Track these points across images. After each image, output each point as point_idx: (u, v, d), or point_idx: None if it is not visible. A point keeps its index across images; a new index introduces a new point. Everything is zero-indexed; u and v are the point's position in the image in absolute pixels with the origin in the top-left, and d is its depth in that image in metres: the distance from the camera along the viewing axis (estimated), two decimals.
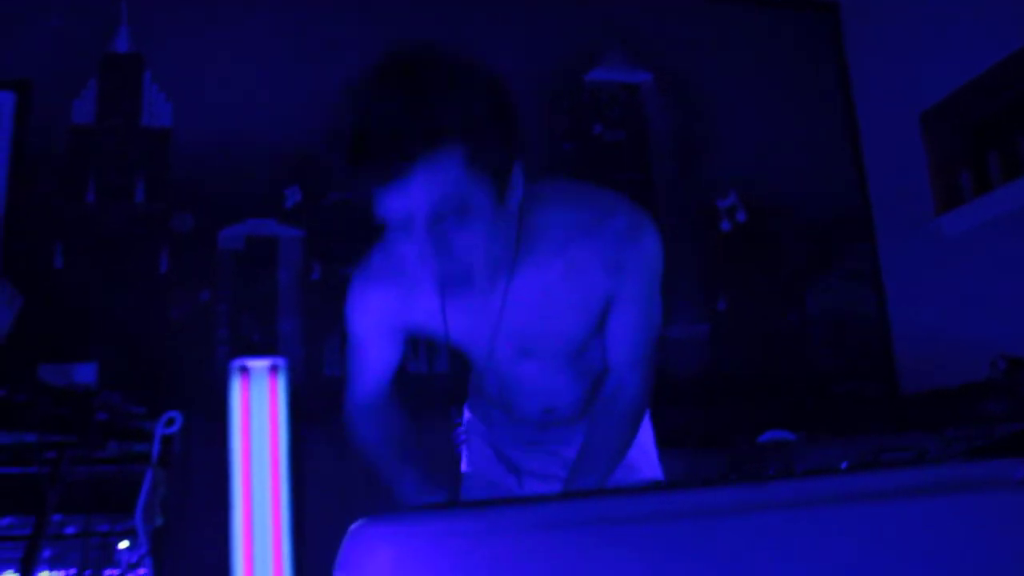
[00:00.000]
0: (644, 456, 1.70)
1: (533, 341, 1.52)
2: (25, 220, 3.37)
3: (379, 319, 1.59)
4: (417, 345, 3.51)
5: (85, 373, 3.15)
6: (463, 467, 1.86)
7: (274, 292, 3.46)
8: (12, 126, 3.48)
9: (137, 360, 3.28)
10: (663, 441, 2.97)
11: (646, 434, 1.72)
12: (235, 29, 3.72)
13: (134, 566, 2.58)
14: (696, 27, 4.16)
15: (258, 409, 3.58)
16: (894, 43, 3.99)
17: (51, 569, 2.55)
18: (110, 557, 2.63)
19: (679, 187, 3.94)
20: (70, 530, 2.60)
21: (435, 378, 3.47)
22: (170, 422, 2.66)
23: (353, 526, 0.73)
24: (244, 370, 3.56)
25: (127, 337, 3.30)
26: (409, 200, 1.15)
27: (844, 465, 0.87)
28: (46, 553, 2.52)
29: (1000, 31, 3.35)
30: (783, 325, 3.89)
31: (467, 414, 1.94)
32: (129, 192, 3.47)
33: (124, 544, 2.63)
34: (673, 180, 3.94)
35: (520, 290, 1.42)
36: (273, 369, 3.64)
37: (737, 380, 3.72)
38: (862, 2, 4.25)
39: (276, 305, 3.45)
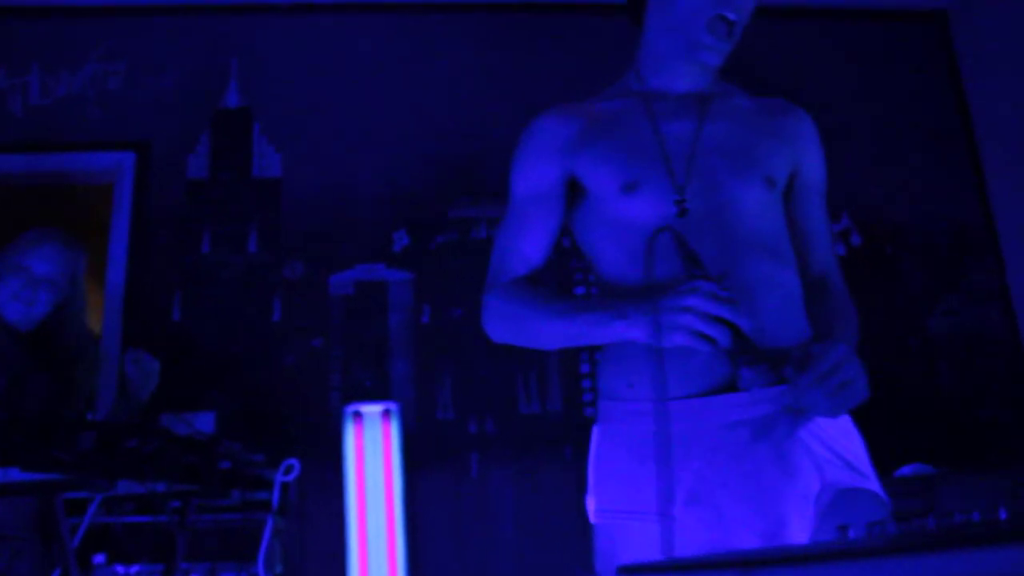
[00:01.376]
0: (866, 463, 1.41)
1: (728, 174, 1.41)
2: (145, 273, 3.49)
3: (550, 155, 1.50)
4: (529, 382, 3.48)
5: (204, 422, 3.22)
6: (591, 515, 1.41)
7: (385, 336, 3.48)
8: (133, 184, 3.63)
9: (253, 408, 3.34)
10: None
11: (859, 436, 1.47)
12: (339, 79, 3.81)
13: None
14: (802, 44, 4.06)
15: (372, 453, 3.61)
16: (1006, 48, 3.81)
17: None
18: None
19: None
20: None
21: (549, 417, 3.43)
22: (289, 469, 2.69)
23: None
24: (358, 415, 3.60)
25: (243, 385, 3.37)
26: None
27: None
28: None
29: None
30: (906, 350, 3.71)
31: (597, 435, 1.46)
32: (242, 242, 3.56)
33: None
34: None
35: (717, 112, 1.49)
36: (386, 413, 3.67)
37: (864, 410, 3.55)
38: (970, 7, 4.07)
39: (387, 349, 3.47)
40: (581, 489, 1.45)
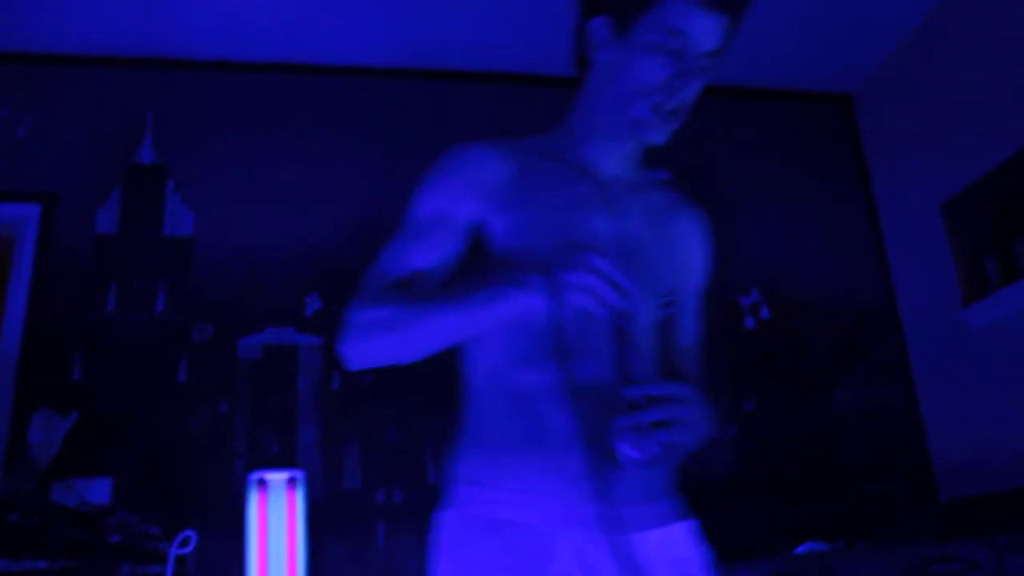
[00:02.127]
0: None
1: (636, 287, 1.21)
2: (45, 329, 3.37)
3: (467, 191, 1.37)
4: (438, 451, 3.44)
5: (99, 489, 3.11)
6: None
7: (293, 402, 3.42)
8: (36, 237, 3.52)
9: (154, 473, 3.23)
10: None
11: (696, 550, 1.36)
12: (256, 138, 3.78)
13: None
14: (710, 123, 4.18)
15: (276, 522, 3.51)
16: (910, 133, 3.98)
17: None
18: None
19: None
20: None
21: None
22: (185, 542, 2.60)
23: None
24: (262, 483, 3.51)
25: (145, 449, 3.26)
26: (717, 30, 1.32)
27: None
28: None
29: (1020, 118, 3.33)
30: (812, 424, 3.79)
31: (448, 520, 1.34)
32: (150, 301, 3.47)
33: None
34: None
35: (639, 210, 1.45)
36: (291, 482, 3.59)
37: (767, 484, 3.60)
38: (875, 92, 4.26)
39: (295, 415, 3.40)
40: None
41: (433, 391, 3.37)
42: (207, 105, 3.81)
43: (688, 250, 1.53)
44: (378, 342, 1.30)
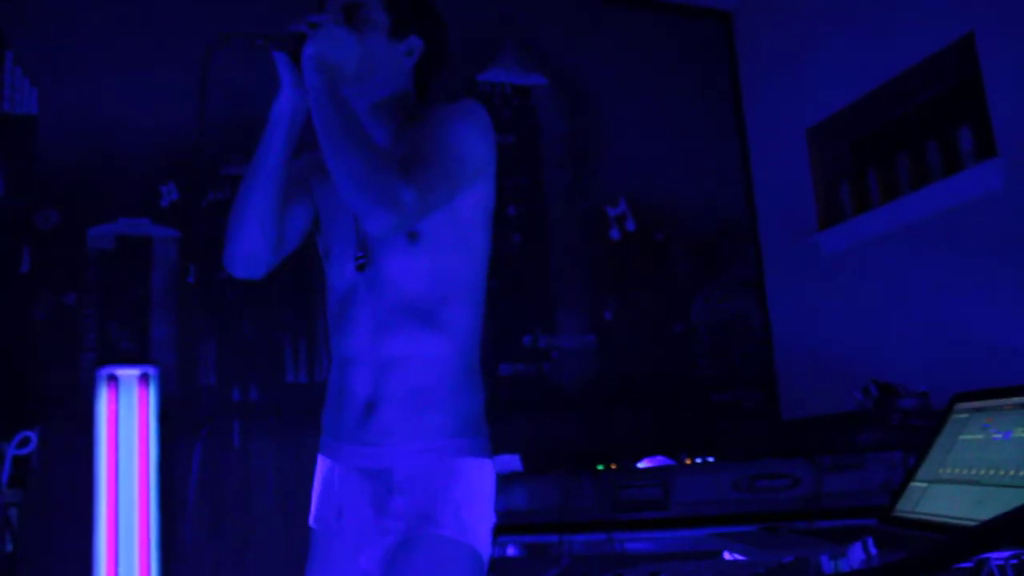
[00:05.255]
0: (450, 510, 1.39)
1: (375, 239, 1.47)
2: None
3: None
4: (298, 351, 3.40)
5: None
6: (311, 519, 1.54)
7: (147, 296, 3.29)
8: None
9: None
10: (540, 464, 2.96)
11: (466, 488, 1.41)
12: (108, 8, 3.49)
13: None
14: (592, 32, 4.13)
15: (126, 420, 3.42)
16: (783, 57, 4.05)
17: None
18: None
19: (569, 193, 3.92)
20: None
21: (316, 387, 3.38)
22: (24, 442, 2.51)
23: None
24: (112, 379, 3.40)
25: None
26: None
27: None
28: None
29: (885, 54, 3.42)
30: (669, 335, 3.93)
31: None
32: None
33: None
34: (564, 186, 3.92)
35: None
36: (144, 378, 3.49)
37: (623, 392, 3.73)
38: (753, 13, 4.29)
39: (148, 309, 3.28)
40: None
41: (292, 288, 3.31)
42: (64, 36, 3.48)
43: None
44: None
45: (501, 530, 2.49)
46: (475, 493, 1.41)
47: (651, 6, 4.27)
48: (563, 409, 3.63)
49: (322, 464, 1.53)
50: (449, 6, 3.89)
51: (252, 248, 1.48)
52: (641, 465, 2.71)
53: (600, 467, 2.71)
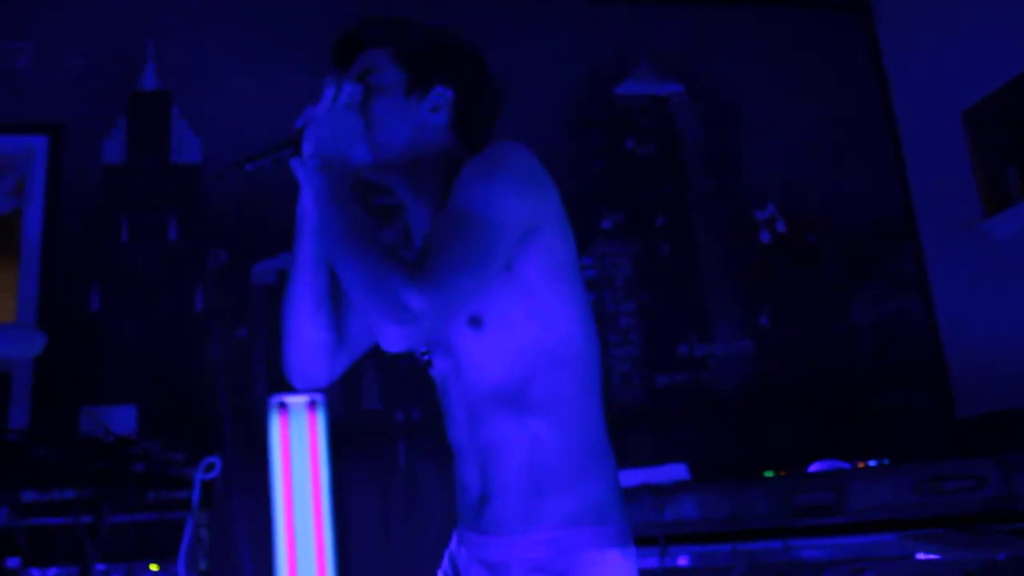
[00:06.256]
0: None
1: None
2: (60, 263, 3.38)
3: None
4: None
5: (124, 417, 3.16)
6: None
7: None
8: (46, 169, 3.50)
9: (176, 399, 3.27)
10: (704, 470, 2.89)
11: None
12: (260, 60, 3.70)
13: None
14: (726, 34, 4.08)
15: (298, 444, 3.56)
16: (930, 40, 3.87)
17: None
18: None
19: (715, 200, 3.86)
20: None
21: None
22: (209, 467, 2.65)
23: None
24: (282, 406, 3.54)
25: (165, 376, 3.30)
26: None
27: None
28: None
29: None
30: (829, 337, 3.79)
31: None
32: (162, 230, 3.47)
33: None
34: (708, 193, 3.86)
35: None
36: (312, 404, 3.63)
37: (782, 399, 3.62)
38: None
39: None
40: None
41: None
42: (208, 28, 3.73)
43: None
44: None
45: (671, 540, 2.45)
46: None
47: (784, 2, 4.18)
48: (722, 416, 3.55)
49: (452, 541, 1.43)
50: (581, 23, 3.95)
51: (305, 356, 1.39)
52: (812, 470, 2.61)
53: (768, 473, 2.62)
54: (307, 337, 1.38)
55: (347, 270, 1.18)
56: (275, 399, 3.18)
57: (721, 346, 3.67)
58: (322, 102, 1.34)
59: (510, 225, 1.20)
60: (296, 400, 3.18)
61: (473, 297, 1.19)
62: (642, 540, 2.43)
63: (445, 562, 1.42)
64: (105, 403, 3.17)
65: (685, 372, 3.62)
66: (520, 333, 1.26)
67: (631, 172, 3.82)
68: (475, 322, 1.25)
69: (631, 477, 2.62)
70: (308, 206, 1.37)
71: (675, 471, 2.68)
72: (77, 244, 3.41)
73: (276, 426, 3.16)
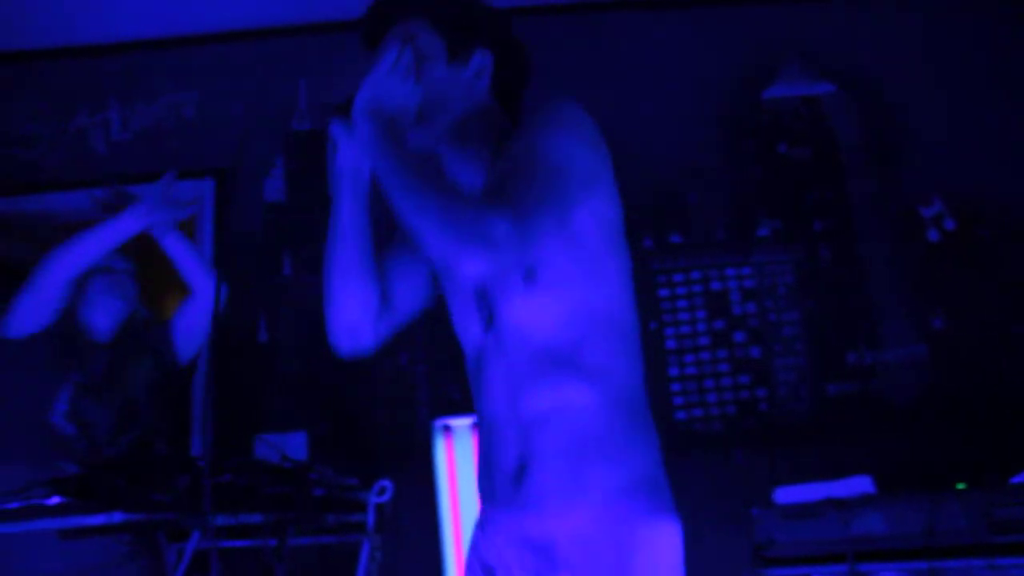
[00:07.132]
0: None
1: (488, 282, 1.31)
2: (230, 298, 3.54)
3: None
4: None
5: (296, 443, 3.27)
6: None
7: None
8: (213, 210, 3.69)
9: (344, 426, 3.37)
10: (888, 482, 2.72)
11: (646, 561, 1.17)
12: None
13: None
14: (872, 27, 3.90)
15: (464, 466, 3.60)
16: None
17: None
18: None
19: (877, 199, 3.68)
20: None
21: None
22: (382, 491, 2.70)
23: None
24: (447, 428, 3.60)
25: (332, 404, 3.40)
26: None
27: None
28: None
29: None
30: (1010, 338, 3.53)
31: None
32: (322, 263, 3.58)
33: None
34: (869, 192, 3.69)
35: None
36: (475, 427, 3.65)
37: (966, 403, 3.39)
38: None
39: None
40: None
41: None
42: (356, 65, 3.84)
43: None
44: None
45: (860, 557, 2.32)
46: (655, 566, 1.16)
47: None
48: (900, 425, 3.36)
49: (474, 532, 1.37)
50: (725, 28, 3.86)
51: (350, 317, 1.42)
52: (1017, 481, 2.42)
53: (961, 486, 2.45)
54: (352, 298, 1.42)
55: (420, 206, 1.16)
56: (439, 422, 3.23)
57: (892, 352, 3.48)
58: (381, 65, 1.34)
59: (578, 172, 1.21)
60: (460, 423, 3.22)
61: (545, 237, 1.17)
62: (829, 557, 2.32)
63: (469, 555, 1.36)
64: (277, 430, 3.29)
65: (855, 381, 3.45)
66: (575, 292, 1.24)
67: (786, 177, 3.70)
68: (530, 275, 1.23)
69: (812, 491, 2.51)
70: (346, 168, 1.37)
71: (859, 484, 2.55)
72: (243, 280, 3.57)
73: (441, 449, 3.20)
